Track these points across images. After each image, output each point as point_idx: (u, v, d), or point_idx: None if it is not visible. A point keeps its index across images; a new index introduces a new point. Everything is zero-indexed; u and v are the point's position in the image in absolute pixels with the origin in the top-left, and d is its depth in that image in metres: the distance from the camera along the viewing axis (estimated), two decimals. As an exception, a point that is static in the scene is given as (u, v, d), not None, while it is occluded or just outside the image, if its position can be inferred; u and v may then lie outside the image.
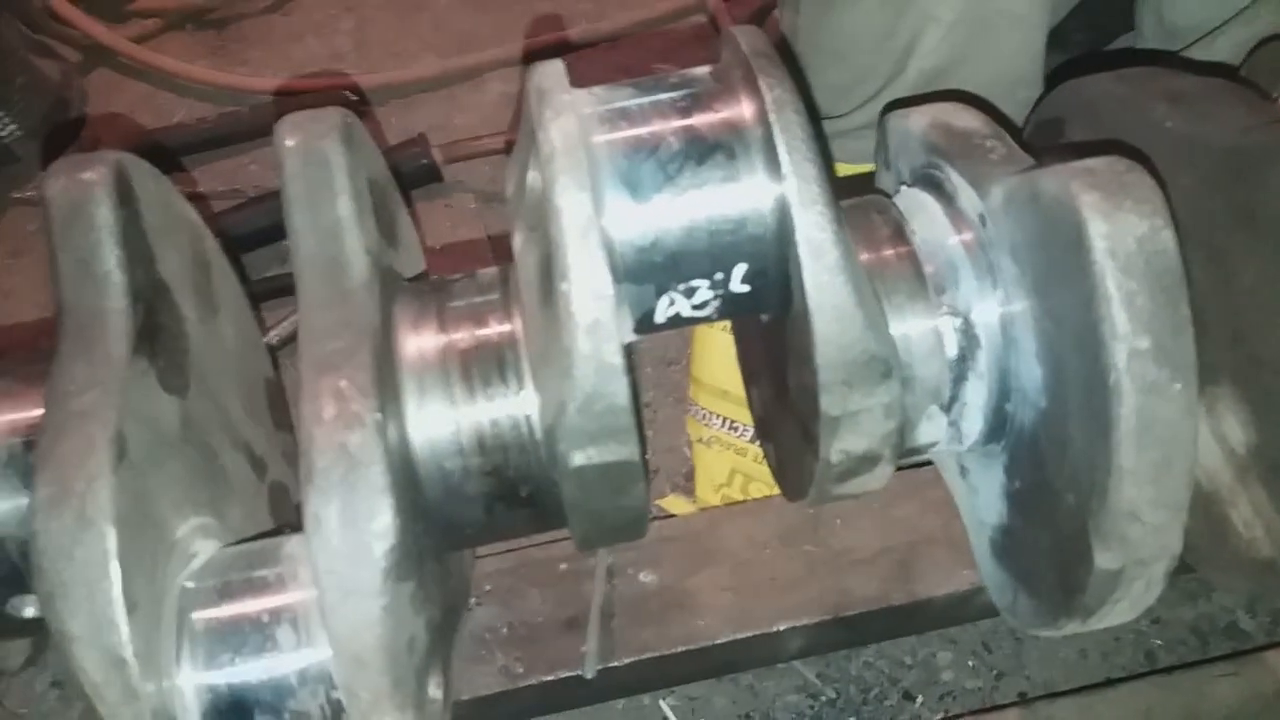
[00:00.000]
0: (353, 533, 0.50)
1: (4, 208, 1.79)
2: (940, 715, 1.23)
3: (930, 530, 1.17)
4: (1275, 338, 0.70)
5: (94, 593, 0.51)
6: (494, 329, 0.61)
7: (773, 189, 0.57)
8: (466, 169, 1.73)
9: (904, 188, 0.75)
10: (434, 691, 0.60)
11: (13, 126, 1.76)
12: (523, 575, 1.13)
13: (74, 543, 0.51)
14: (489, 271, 0.66)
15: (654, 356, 1.56)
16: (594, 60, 1.99)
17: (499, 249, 1.60)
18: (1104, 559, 0.60)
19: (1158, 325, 0.56)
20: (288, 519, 0.77)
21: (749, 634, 1.11)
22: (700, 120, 0.58)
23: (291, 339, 1.48)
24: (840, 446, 0.60)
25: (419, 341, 0.60)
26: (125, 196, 0.62)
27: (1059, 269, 0.60)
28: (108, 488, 0.52)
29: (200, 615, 0.59)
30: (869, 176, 0.83)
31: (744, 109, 0.58)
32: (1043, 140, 0.92)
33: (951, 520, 1.01)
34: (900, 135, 0.76)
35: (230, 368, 0.74)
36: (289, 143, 0.60)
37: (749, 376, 0.81)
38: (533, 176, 0.59)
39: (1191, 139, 0.74)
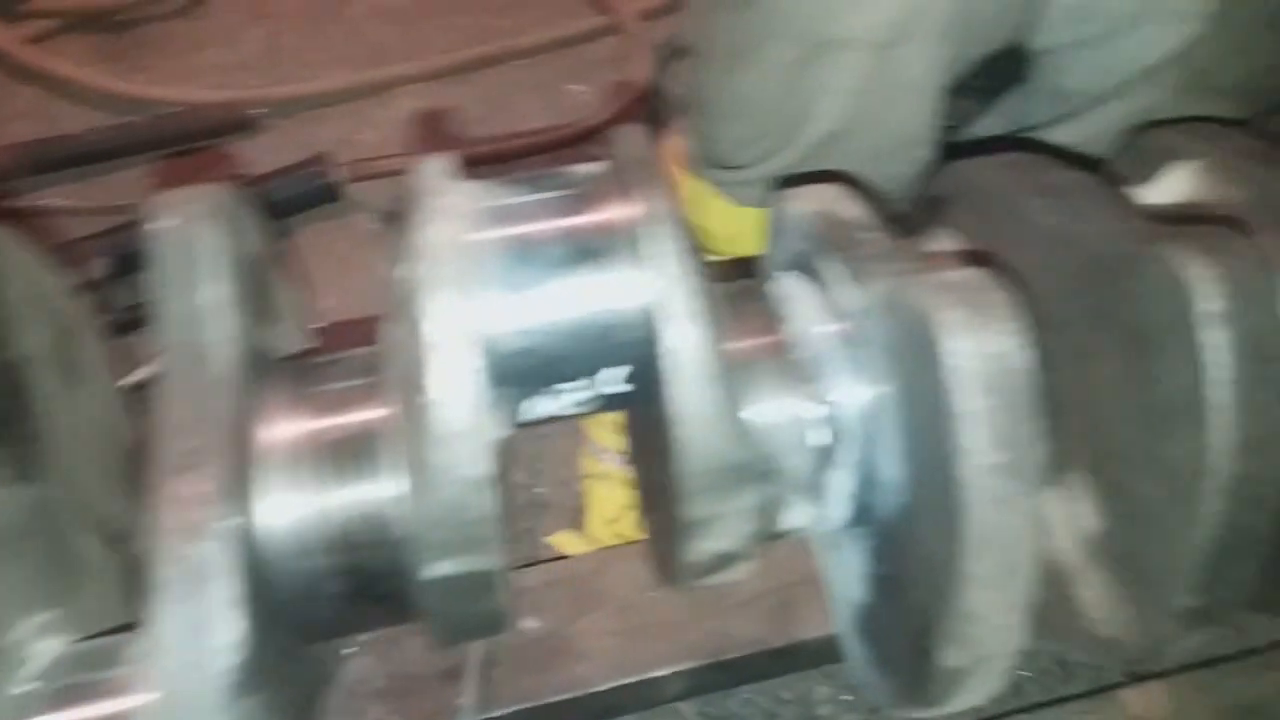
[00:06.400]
0: (194, 650, 0.49)
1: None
2: (817, 754, 1.26)
3: (809, 571, 1.19)
4: (1122, 435, 0.73)
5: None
6: (360, 418, 0.60)
7: (644, 297, 0.58)
8: (367, 188, 1.70)
9: (784, 273, 0.76)
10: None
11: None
12: (405, 621, 1.12)
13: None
14: (361, 353, 0.65)
15: (553, 387, 1.56)
16: (508, 79, 1.98)
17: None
18: (948, 657, 0.62)
19: (1005, 442, 0.58)
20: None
21: (631, 679, 1.12)
22: (577, 225, 0.58)
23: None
24: (700, 548, 0.61)
25: (281, 432, 0.59)
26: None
27: (918, 377, 0.62)
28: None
29: (29, 728, 0.57)
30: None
31: (620, 217, 0.58)
32: (929, 218, 0.94)
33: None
34: (784, 219, 0.78)
35: (90, 440, 0.71)
36: (156, 225, 0.58)
37: (634, 453, 0.81)
38: (407, 270, 0.59)
39: (1060, 238, 0.77)
